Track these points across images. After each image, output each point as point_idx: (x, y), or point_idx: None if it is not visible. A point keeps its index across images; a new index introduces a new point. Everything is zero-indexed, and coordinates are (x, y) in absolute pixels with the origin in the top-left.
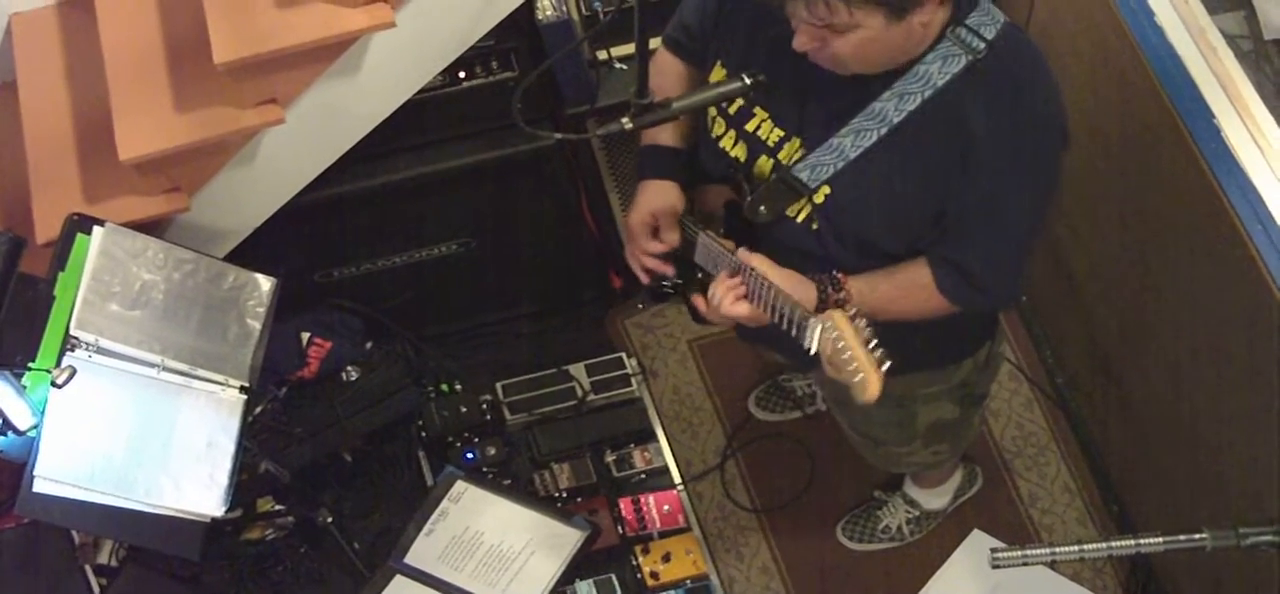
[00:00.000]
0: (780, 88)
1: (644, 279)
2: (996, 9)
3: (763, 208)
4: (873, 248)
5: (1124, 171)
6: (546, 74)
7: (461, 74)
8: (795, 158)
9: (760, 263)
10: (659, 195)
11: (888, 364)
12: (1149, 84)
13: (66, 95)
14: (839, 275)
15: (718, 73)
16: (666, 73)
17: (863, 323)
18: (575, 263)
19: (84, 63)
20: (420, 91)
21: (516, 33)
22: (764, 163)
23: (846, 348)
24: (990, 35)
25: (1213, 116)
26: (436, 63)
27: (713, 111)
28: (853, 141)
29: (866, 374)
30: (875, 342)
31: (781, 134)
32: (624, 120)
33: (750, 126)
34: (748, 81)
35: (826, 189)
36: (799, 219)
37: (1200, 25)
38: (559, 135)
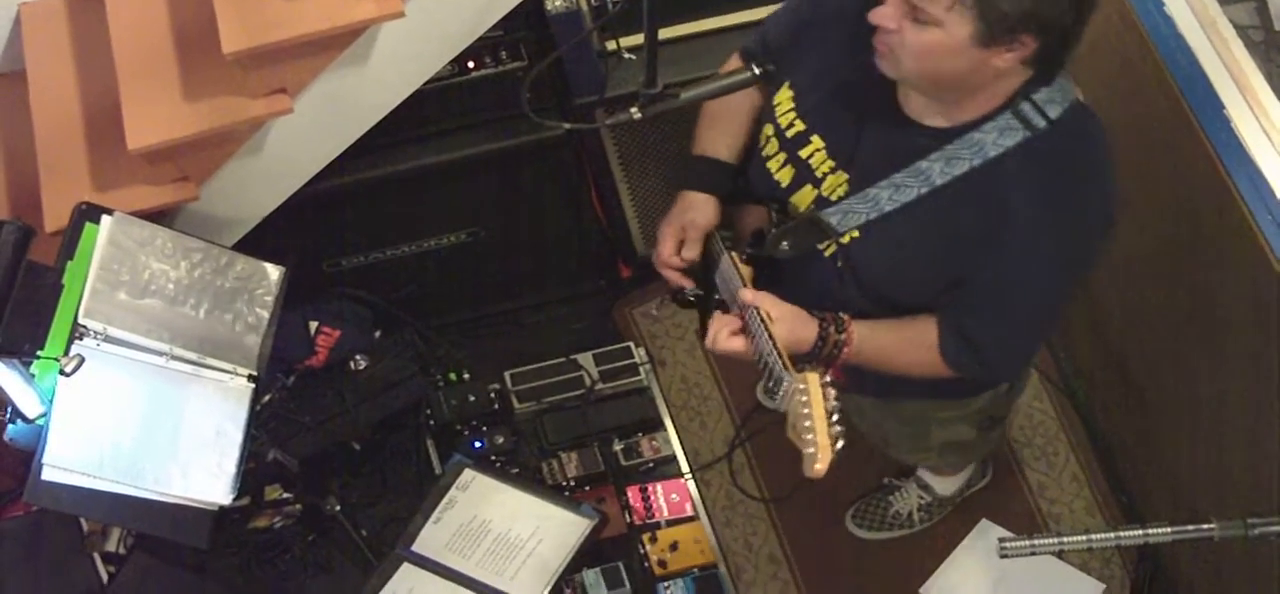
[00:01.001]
0: (839, 121)
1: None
2: (1071, 86)
3: (785, 244)
4: (888, 297)
5: (1132, 162)
6: (555, 64)
7: (470, 64)
8: (839, 192)
9: (765, 300)
10: (692, 208)
11: (841, 444)
12: (1159, 75)
13: (75, 85)
14: (844, 317)
15: (784, 93)
16: None
17: (833, 394)
18: (583, 253)
19: (93, 52)
20: (429, 81)
21: (525, 23)
22: (806, 193)
23: (809, 416)
24: (1054, 114)
25: (1223, 107)
26: (445, 53)
27: (769, 130)
28: (890, 195)
29: (818, 450)
30: (838, 417)
31: (831, 165)
32: (633, 110)
33: (804, 153)
34: (756, 72)
35: (855, 233)
36: (826, 254)
37: (1211, 16)
38: (568, 125)
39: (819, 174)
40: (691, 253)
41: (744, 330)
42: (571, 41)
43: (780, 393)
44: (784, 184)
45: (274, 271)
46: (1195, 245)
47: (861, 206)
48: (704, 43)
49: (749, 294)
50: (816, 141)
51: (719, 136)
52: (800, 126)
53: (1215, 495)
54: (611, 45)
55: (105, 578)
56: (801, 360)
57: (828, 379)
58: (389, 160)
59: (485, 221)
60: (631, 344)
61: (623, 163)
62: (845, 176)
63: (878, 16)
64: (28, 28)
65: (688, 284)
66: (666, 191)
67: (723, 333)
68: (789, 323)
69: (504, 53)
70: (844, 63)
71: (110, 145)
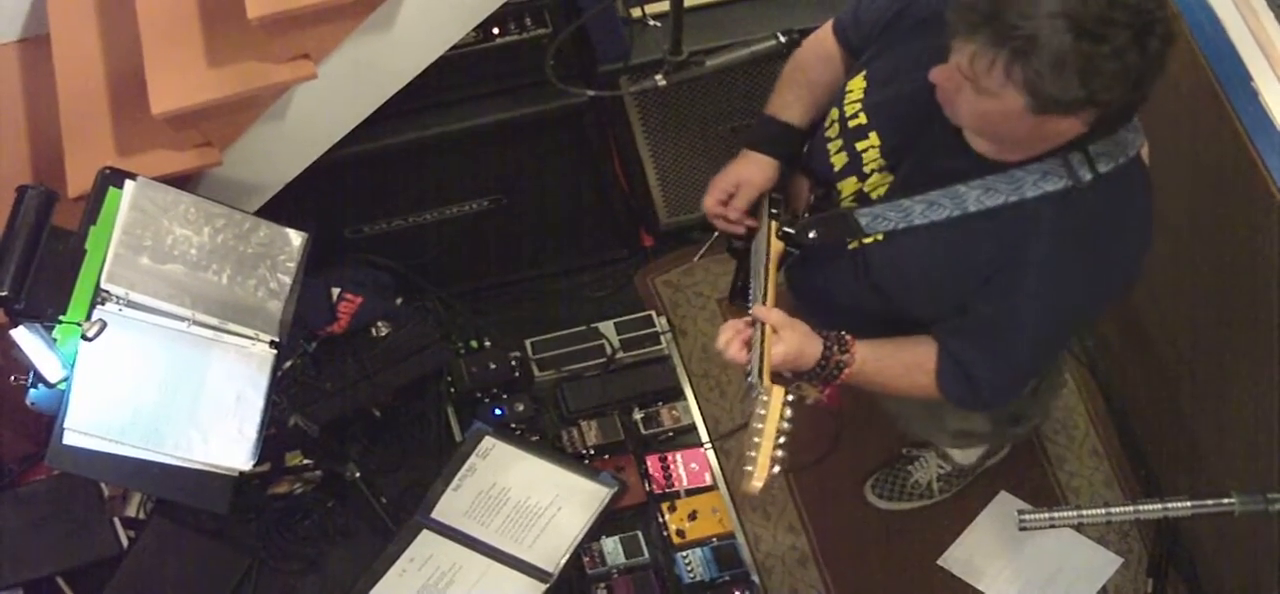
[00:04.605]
0: (898, 125)
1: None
2: (1134, 142)
3: (814, 233)
4: (896, 303)
5: (1158, 134)
6: (580, 31)
7: (494, 30)
8: (880, 192)
9: (775, 317)
10: (750, 168)
11: (778, 468)
12: (1186, 46)
13: (99, 49)
14: (847, 337)
15: (857, 81)
16: (817, 50)
17: (790, 413)
18: (606, 221)
19: (117, 17)
20: (453, 48)
21: None
22: (851, 183)
23: (761, 430)
24: (1103, 168)
25: (1250, 79)
26: (469, 19)
27: (835, 113)
28: (923, 210)
29: (756, 468)
30: (784, 442)
31: (881, 164)
32: (657, 78)
33: (860, 145)
34: (782, 40)
35: (880, 237)
36: (850, 247)
37: None
38: (592, 93)
39: (867, 170)
40: (741, 205)
41: (748, 343)
42: (596, 8)
43: (749, 399)
44: (836, 168)
45: (296, 238)
46: (1220, 217)
47: (893, 214)
48: (729, 11)
49: (762, 311)
50: (873, 138)
51: (795, 100)
52: (862, 120)
53: (1238, 470)
54: (636, 12)
55: (125, 543)
56: (804, 377)
57: (794, 398)
58: (412, 127)
59: (508, 189)
60: (653, 313)
61: (646, 131)
62: (890, 179)
63: (936, 75)
64: None
65: (738, 232)
66: (691, 159)
67: (735, 344)
68: (794, 341)
69: (528, 19)
70: (918, 71)
71: (134, 110)
